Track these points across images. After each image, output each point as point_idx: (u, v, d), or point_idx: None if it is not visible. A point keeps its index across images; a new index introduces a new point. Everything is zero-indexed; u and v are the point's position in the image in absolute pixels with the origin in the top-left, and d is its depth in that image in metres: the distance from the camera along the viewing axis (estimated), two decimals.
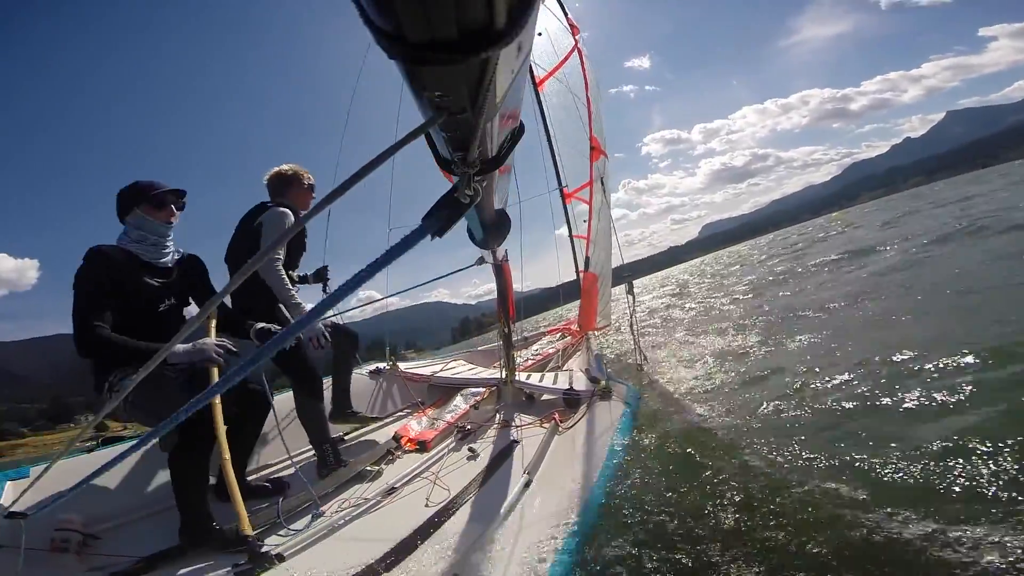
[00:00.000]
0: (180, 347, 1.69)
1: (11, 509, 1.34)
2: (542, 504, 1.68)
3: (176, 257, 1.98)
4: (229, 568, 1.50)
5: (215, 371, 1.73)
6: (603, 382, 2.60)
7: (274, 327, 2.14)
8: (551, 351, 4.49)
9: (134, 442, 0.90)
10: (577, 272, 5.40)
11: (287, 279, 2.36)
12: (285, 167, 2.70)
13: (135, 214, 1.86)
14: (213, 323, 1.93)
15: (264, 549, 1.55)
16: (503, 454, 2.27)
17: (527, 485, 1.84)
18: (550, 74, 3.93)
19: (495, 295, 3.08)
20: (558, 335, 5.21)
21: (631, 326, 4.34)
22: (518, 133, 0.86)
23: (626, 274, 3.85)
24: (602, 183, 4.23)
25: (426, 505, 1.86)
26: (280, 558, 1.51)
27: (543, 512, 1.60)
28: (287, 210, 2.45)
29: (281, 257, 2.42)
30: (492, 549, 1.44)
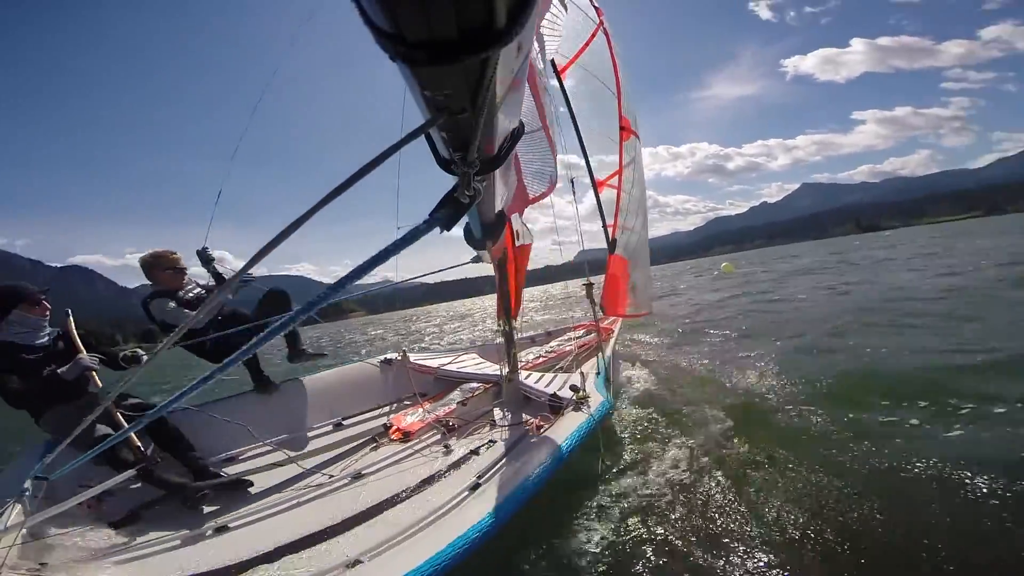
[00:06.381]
0: (63, 369, 2.25)
1: (36, 474, 1.74)
2: (474, 510, 1.67)
3: (51, 336, 2.42)
4: (203, 519, 1.95)
5: (95, 375, 2.34)
6: (581, 391, 2.49)
7: (139, 351, 2.58)
8: (568, 349, 4.39)
9: (140, 420, 1.04)
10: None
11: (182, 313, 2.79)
12: (146, 255, 2.99)
13: (16, 313, 2.28)
14: (80, 344, 2.41)
15: (219, 520, 1.96)
16: (473, 453, 2.33)
17: (474, 488, 1.89)
18: (571, 61, 3.84)
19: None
20: (582, 331, 5.07)
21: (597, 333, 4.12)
22: (518, 133, 0.86)
23: (584, 281, 3.71)
24: (623, 165, 4.00)
25: (377, 494, 2.01)
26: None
27: (468, 518, 1.59)
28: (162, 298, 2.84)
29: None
30: (402, 545, 1.55)
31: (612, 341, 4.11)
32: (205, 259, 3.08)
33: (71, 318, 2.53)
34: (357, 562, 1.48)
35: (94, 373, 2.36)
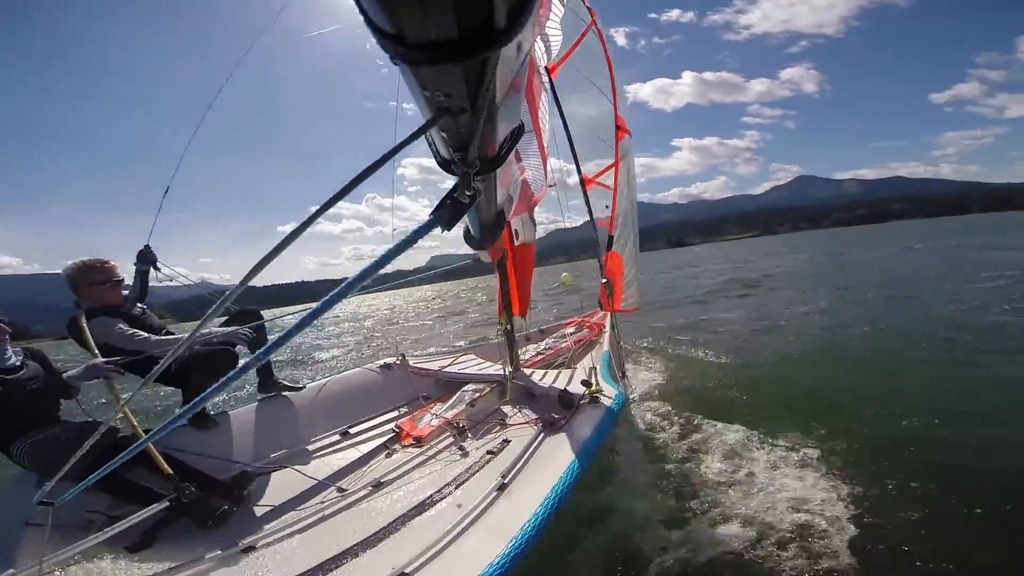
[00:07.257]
0: (74, 371, 2.15)
1: (42, 499, 1.62)
2: (506, 509, 1.67)
3: (19, 358, 2.25)
4: (222, 540, 1.84)
5: (114, 384, 2.18)
6: (593, 385, 2.48)
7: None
8: (564, 345, 4.36)
9: (143, 439, 1.01)
10: (600, 260, 5.10)
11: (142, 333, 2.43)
12: (72, 266, 2.52)
13: None
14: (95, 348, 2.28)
15: (243, 541, 1.83)
16: (490, 454, 2.31)
17: (501, 489, 1.87)
18: (561, 60, 3.83)
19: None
20: (575, 328, 5.04)
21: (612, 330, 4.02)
22: (518, 133, 0.86)
23: (603, 279, 3.69)
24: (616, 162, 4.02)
25: (401, 502, 1.98)
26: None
27: (504, 518, 1.57)
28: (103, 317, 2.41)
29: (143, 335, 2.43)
30: (445, 553, 1.51)
31: (607, 335, 4.09)
32: (149, 259, 2.76)
33: (83, 311, 2.31)
34: (404, 574, 1.43)
35: (115, 385, 2.14)
